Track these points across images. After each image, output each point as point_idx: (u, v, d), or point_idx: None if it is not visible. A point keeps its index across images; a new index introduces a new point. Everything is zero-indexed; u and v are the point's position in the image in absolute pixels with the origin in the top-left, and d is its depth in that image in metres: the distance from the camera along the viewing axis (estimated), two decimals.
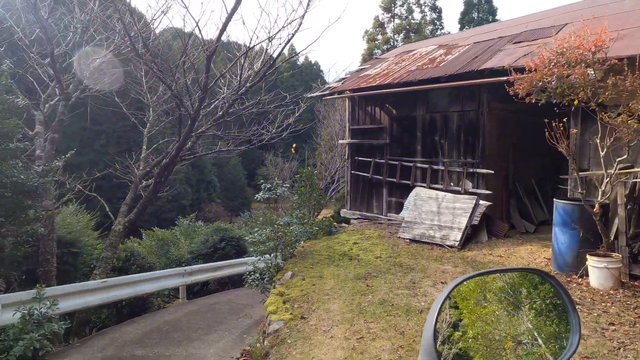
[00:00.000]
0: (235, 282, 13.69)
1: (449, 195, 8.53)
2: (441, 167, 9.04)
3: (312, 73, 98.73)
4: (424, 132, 9.40)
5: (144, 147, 10.51)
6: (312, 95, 11.18)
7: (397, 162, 9.82)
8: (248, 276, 7.76)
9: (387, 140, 10.12)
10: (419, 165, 9.45)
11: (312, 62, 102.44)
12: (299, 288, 6.22)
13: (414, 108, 9.54)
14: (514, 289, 1.51)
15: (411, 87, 8.66)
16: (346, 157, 11.06)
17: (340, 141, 13.53)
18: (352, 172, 10.84)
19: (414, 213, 8.71)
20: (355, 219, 10.78)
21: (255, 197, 7.91)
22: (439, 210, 8.35)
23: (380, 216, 10.23)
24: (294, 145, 18.47)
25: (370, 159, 10.32)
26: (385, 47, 40.83)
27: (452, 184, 8.89)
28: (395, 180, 9.81)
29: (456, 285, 1.30)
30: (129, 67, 10.57)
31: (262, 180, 9.93)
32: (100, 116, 46.66)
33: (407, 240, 8.39)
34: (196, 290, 12.47)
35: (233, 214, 57.06)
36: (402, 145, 9.91)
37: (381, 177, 10.15)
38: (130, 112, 11.48)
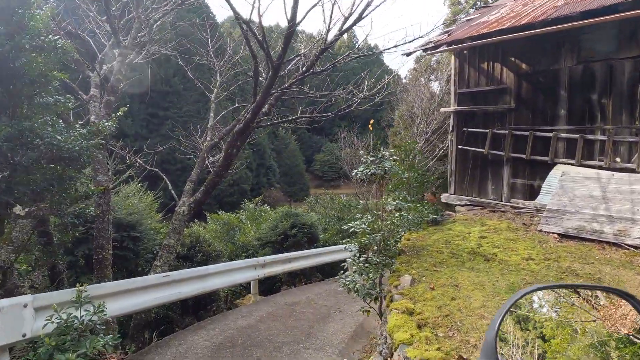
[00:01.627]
0: (307, 274, 11.99)
1: (620, 175, 6.04)
2: (601, 137, 6.52)
3: (371, 56, 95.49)
4: (572, 90, 6.90)
5: (211, 114, 8.86)
6: (410, 52, 8.93)
7: (527, 133, 7.41)
8: (343, 278, 5.84)
9: (511, 104, 7.71)
10: (562, 135, 6.98)
11: (372, 45, 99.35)
12: (433, 303, 4.18)
13: (557, 58, 7.04)
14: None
15: (564, 25, 6.19)
16: (450, 128, 8.79)
17: (443, 109, 11.16)
18: (459, 147, 8.54)
19: (561, 199, 6.32)
20: (462, 205, 8.52)
21: (353, 174, 6.02)
22: (605, 195, 5.91)
23: (499, 202, 7.89)
24: (371, 122, 16.30)
25: (486, 130, 7.98)
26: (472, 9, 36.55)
27: (617, 159, 6.37)
28: (524, 156, 7.42)
29: (526, 294, 1.31)
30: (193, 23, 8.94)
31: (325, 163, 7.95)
32: (165, 101, 47.23)
33: (556, 236, 6.05)
34: (266, 284, 10.88)
35: (292, 199, 56.35)
36: (534, 110, 7.46)
37: (501, 153, 7.80)
38: (196, 77, 9.95)
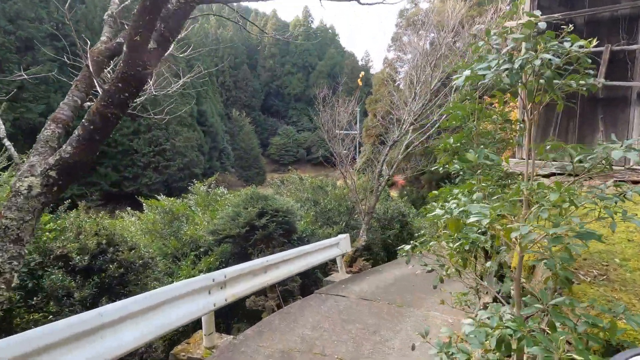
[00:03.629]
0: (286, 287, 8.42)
1: None
2: None
3: (327, 37, 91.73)
4: None
5: None
6: None
7: None
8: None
9: None
10: None
11: (328, 25, 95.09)
12: None
13: None
14: None
15: None
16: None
17: (509, 23, 7.70)
18: None
19: None
20: (545, 175, 5.24)
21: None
22: None
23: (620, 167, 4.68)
24: (361, 75, 12.79)
25: (598, 49, 4.70)
26: None
27: None
28: None
29: None
30: None
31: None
32: None
33: None
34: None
35: (248, 183, 52.07)
36: None
37: (628, 84, 4.57)
38: None
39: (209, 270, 7.90)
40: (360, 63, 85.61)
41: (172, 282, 6.22)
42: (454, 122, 3.90)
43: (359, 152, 33.99)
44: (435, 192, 2.96)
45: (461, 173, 4.05)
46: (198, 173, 48.10)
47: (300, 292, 8.06)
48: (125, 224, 9.78)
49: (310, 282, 9.22)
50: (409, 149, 10.72)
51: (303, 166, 68.82)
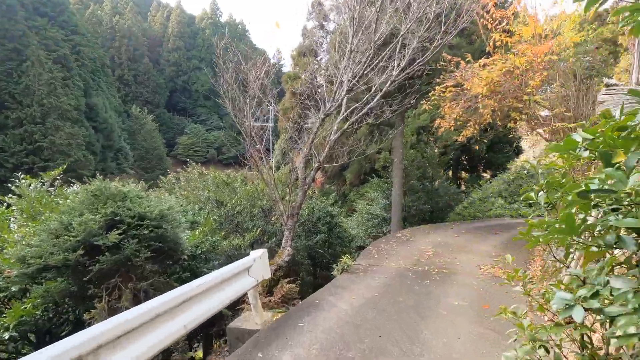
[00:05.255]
0: None
1: None
2: None
3: (237, 33, 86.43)
4: None
5: None
6: None
7: None
8: None
9: None
10: None
11: (237, 20, 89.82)
12: None
13: None
14: None
15: None
16: None
17: None
18: None
19: None
20: None
21: None
22: None
23: None
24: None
25: None
26: None
27: None
28: None
29: None
30: None
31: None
32: None
33: None
34: None
35: (150, 188, 45.60)
36: None
37: None
38: None
39: None
40: (272, 61, 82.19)
41: None
42: None
43: (273, 150, 30.46)
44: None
45: None
46: (87, 176, 40.65)
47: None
48: None
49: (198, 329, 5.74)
50: (345, 128, 7.69)
51: (214, 167, 63.31)
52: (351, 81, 7.27)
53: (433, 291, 5.75)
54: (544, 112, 6.48)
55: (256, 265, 4.78)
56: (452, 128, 7.54)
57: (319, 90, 8.88)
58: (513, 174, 18.94)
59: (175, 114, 75.37)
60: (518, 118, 6.35)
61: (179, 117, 75.13)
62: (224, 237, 7.44)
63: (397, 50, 7.72)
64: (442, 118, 7.74)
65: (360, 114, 7.67)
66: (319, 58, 12.49)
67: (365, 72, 7.32)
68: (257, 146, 7.67)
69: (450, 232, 10.92)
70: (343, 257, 7.61)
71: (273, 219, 9.10)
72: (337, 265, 7.43)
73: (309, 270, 11.46)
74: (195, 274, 6.43)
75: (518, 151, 23.76)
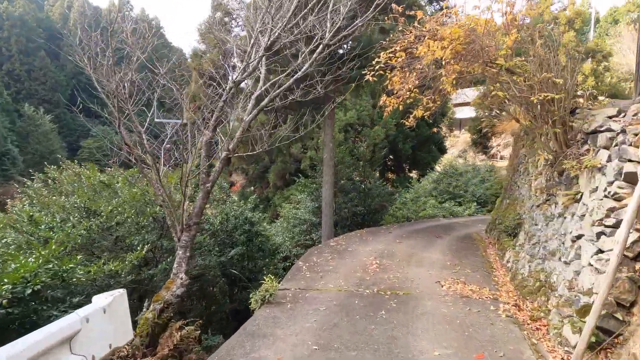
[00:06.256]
0: None
1: None
2: None
3: (149, 29, 79.38)
4: None
5: None
6: None
7: None
8: None
9: None
10: None
11: (151, 16, 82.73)
12: None
13: None
14: None
15: None
16: None
17: None
18: None
19: None
20: None
21: None
22: None
23: None
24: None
25: None
26: None
27: None
28: None
29: None
30: None
31: None
32: None
33: None
34: None
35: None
36: None
37: None
38: None
39: None
40: (189, 61, 77.07)
41: None
42: None
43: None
44: None
45: None
46: None
47: None
48: None
49: None
50: (264, 104, 5.61)
51: (124, 170, 56.68)
52: (271, 38, 5.20)
53: (396, 334, 3.86)
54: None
55: (92, 328, 2.47)
56: (401, 107, 5.81)
57: (233, 61, 6.74)
58: (442, 174, 18.35)
59: (78, 114, 66.99)
60: (492, 87, 4.80)
61: (84, 118, 66.87)
62: (80, 262, 4.87)
63: (330, 9, 5.85)
64: (388, 95, 5.98)
65: (283, 87, 5.63)
66: (232, 35, 10.28)
67: (290, 26, 5.31)
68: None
69: (391, 238, 9.32)
70: (265, 278, 5.47)
71: (169, 229, 6.66)
72: (255, 293, 5.29)
73: (224, 291, 9.13)
74: (37, 325, 3.90)
75: (442, 150, 23.59)
